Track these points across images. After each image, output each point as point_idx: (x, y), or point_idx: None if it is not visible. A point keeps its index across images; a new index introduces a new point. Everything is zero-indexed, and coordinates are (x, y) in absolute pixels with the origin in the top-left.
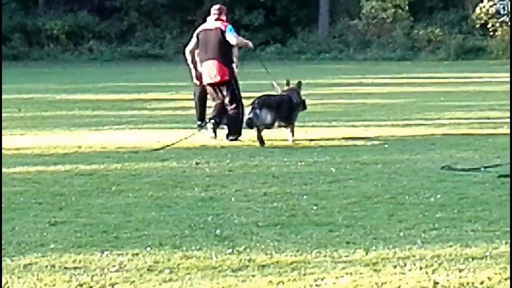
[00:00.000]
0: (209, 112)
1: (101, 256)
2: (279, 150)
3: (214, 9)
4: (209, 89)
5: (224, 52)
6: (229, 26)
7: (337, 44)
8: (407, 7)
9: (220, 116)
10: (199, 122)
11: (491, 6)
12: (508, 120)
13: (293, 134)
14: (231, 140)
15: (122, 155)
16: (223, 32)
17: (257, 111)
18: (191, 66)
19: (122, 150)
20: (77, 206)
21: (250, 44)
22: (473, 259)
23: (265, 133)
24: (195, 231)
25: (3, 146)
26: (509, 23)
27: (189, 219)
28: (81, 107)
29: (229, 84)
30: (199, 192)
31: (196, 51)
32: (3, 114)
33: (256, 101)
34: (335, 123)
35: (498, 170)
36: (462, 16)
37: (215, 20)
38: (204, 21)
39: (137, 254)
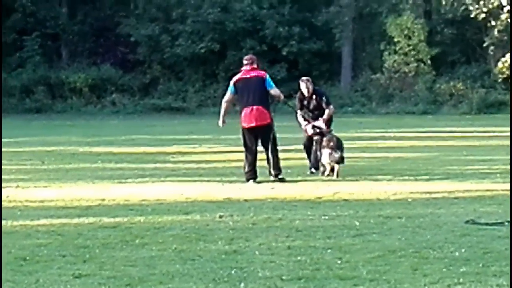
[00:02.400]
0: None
1: None
2: (302, 203)
3: (246, 59)
4: (248, 133)
5: (266, 98)
6: (268, 77)
7: (359, 98)
8: (429, 61)
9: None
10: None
11: None
12: None
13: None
14: (278, 175)
15: (145, 207)
16: (264, 80)
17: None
18: (223, 113)
19: (145, 203)
20: (101, 259)
21: (282, 96)
22: None
23: (288, 188)
24: (219, 284)
25: (27, 199)
26: None
27: (213, 272)
28: (104, 159)
29: (270, 127)
30: (223, 245)
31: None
32: (26, 167)
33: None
34: (358, 176)
35: None
36: (484, 70)
37: (250, 69)
38: (234, 73)
39: None
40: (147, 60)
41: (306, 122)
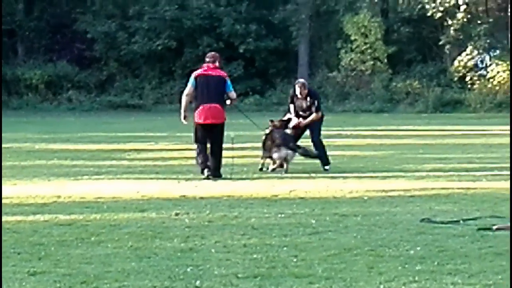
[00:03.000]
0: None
1: None
2: (258, 201)
3: (209, 56)
4: (201, 129)
5: (223, 98)
6: (229, 80)
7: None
8: (386, 60)
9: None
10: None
11: (469, 60)
12: (487, 173)
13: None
14: (218, 177)
15: (101, 205)
16: (225, 82)
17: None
18: (184, 107)
19: (101, 200)
20: (56, 256)
21: (235, 101)
22: None
23: (244, 186)
24: (175, 282)
25: None
26: (486, 76)
27: (169, 270)
28: (60, 156)
29: (222, 127)
30: (179, 243)
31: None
32: None
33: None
34: (314, 174)
35: (478, 223)
36: (441, 69)
37: (212, 67)
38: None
39: None
40: (103, 57)
41: (294, 116)
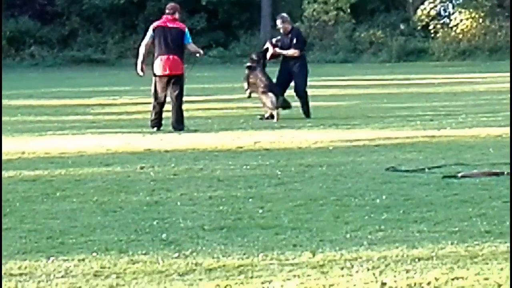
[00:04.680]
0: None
1: (46, 262)
2: (223, 153)
3: (168, 8)
4: (159, 81)
5: (181, 50)
6: (187, 32)
7: None
8: (348, 10)
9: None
10: None
11: (432, 8)
12: (451, 121)
13: None
14: (180, 129)
15: (66, 160)
16: (183, 34)
17: None
18: (141, 58)
19: (66, 156)
20: (22, 212)
21: (201, 51)
22: (419, 259)
23: (209, 138)
24: (141, 235)
25: None
26: (449, 25)
27: (135, 223)
28: (24, 112)
29: (181, 78)
30: (144, 196)
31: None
32: None
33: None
34: (279, 125)
35: (443, 171)
36: (404, 18)
37: (171, 18)
38: (154, 20)
39: (83, 260)
40: (65, 12)
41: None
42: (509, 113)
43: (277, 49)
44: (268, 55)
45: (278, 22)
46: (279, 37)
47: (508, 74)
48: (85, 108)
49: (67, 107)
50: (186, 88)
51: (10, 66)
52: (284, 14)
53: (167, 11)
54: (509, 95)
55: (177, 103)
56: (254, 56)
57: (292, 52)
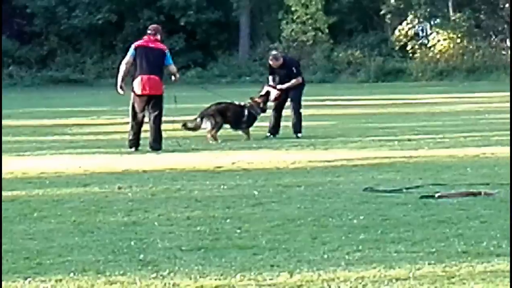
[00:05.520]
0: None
1: (24, 283)
2: (201, 174)
3: (150, 28)
4: (139, 100)
5: (161, 71)
6: (168, 53)
7: (257, 67)
8: (327, 30)
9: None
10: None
11: (410, 29)
12: (429, 141)
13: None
14: (158, 149)
15: (43, 180)
16: (164, 55)
17: None
18: (121, 76)
19: (43, 176)
20: None
21: (178, 76)
22: (397, 280)
23: (187, 158)
24: (119, 256)
25: None
26: (427, 45)
27: (112, 244)
28: (2, 133)
29: (161, 99)
30: (122, 217)
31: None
32: None
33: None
34: (257, 145)
35: (420, 191)
36: (382, 38)
37: (153, 39)
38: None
39: (60, 280)
40: (44, 32)
41: (271, 88)
42: (487, 133)
43: (280, 87)
44: (273, 96)
45: (271, 62)
46: (270, 77)
47: (486, 94)
48: (63, 128)
49: (45, 127)
50: (164, 108)
51: None
52: (274, 52)
53: (148, 31)
54: (485, 115)
55: (155, 124)
56: (257, 99)
57: (295, 81)
